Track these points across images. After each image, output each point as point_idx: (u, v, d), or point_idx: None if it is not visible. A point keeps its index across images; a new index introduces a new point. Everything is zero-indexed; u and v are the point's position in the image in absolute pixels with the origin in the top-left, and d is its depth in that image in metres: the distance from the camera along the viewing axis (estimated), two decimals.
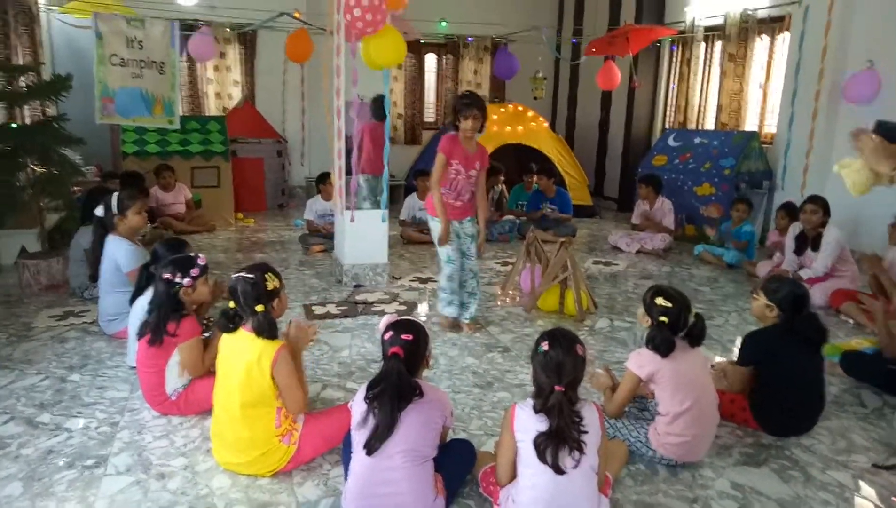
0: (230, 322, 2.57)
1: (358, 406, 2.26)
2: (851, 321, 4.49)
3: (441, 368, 3.62)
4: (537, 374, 2.19)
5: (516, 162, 8.26)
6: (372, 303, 4.75)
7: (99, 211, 4.02)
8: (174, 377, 2.95)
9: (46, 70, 7.09)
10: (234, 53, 8.99)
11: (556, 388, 2.10)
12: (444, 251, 4.08)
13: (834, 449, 2.83)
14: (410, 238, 6.78)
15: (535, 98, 9.69)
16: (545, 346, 2.17)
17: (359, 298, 4.86)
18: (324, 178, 6.57)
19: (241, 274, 2.55)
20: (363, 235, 5.11)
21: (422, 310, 4.68)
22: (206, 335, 3.25)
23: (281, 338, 2.59)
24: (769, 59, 7.28)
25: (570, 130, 10.40)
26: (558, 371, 2.12)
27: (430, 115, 10.52)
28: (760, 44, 7.37)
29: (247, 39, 9.00)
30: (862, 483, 2.59)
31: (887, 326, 3.46)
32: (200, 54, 7.57)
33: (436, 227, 4.05)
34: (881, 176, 2.16)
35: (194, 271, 2.98)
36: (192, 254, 3.10)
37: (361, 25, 4.04)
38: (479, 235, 4.13)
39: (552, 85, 10.66)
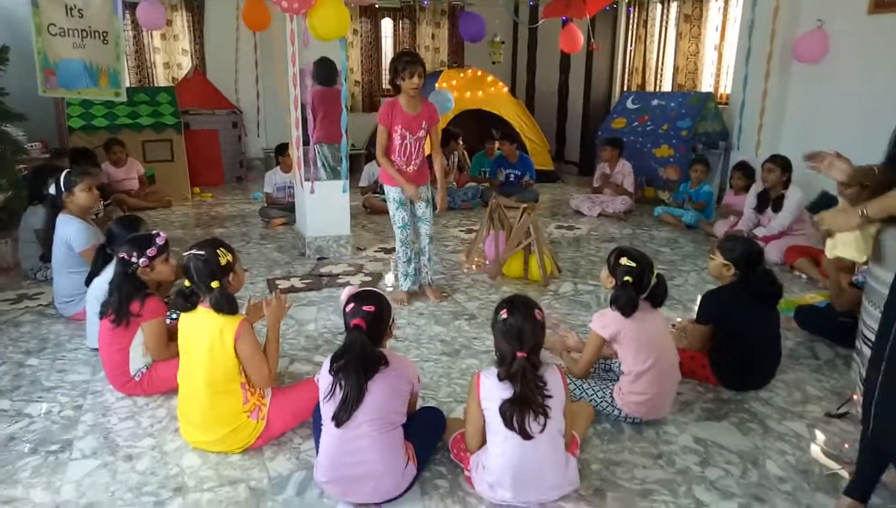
0: (187, 301, 2.53)
1: (324, 379, 2.26)
2: (805, 276, 4.64)
3: (409, 337, 3.64)
4: (499, 342, 2.21)
5: (477, 128, 8.21)
6: (336, 275, 4.72)
7: (52, 189, 3.88)
8: (138, 357, 2.90)
9: None
10: (181, 21, 8.68)
11: (519, 354, 2.13)
12: (398, 217, 4.03)
13: (790, 401, 2.95)
14: (373, 207, 6.73)
15: (494, 63, 9.61)
16: (504, 314, 2.19)
17: (323, 270, 4.82)
18: (283, 149, 6.44)
19: (193, 251, 2.50)
20: (325, 206, 5.05)
21: (388, 280, 4.67)
22: (169, 313, 3.19)
23: (243, 313, 2.56)
24: (723, 20, 7.35)
25: (529, 94, 10.36)
26: (519, 338, 2.14)
27: (387, 81, 10.32)
28: (714, 4, 7.44)
29: (194, 6, 8.68)
30: (816, 432, 2.70)
31: (839, 279, 3.59)
32: (150, 22, 7.26)
33: (392, 195, 4.00)
34: (863, 227, 2.28)
35: (151, 251, 2.90)
36: (152, 233, 3.01)
37: (286, 5, 3.90)
38: (439, 191, 4.08)
39: (511, 49, 10.57)
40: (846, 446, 2.58)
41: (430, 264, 4.24)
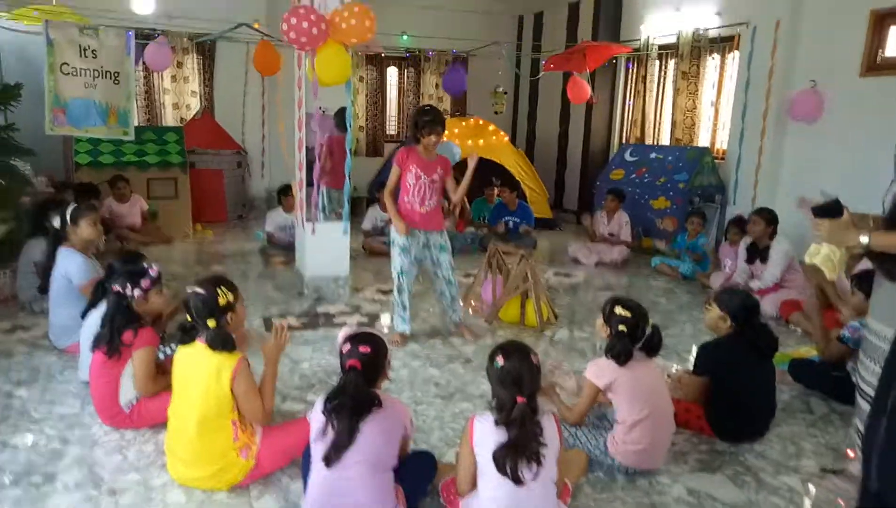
0: (186, 334, 2.53)
1: (316, 418, 2.24)
2: (800, 330, 4.64)
3: (403, 379, 3.62)
4: (497, 389, 2.20)
5: (477, 175, 8.27)
6: (333, 315, 4.72)
7: (55, 222, 3.91)
8: (129, 389, 2.88)
9: None
10: (191, 63, 8.88)
11: (519, 400, 2.11)
12: (397, 262, 4.09)
13: (784, 455, 2.92)
14: (372, 250, 6.76)
15: (496, 112, 9.81)
16: (500, 360, 2.18)
17: (320, 310, 4.82)
18: (286, 190, 6.53)
19: (194, 289, 2.52)
20: (324, 247, 5.09)
21: (384, 322, 4.67)
22: (164, 348, 3.18)
23: (253, 346, 2.55)
24: (720, 78, 7.53)
25: (529, 143, 10.55)
26: (518, 383, 2.13)
27: (391, 127, 10.55)
28: (711, 62, 7.62)
29: (205, 49, 8.90)
30: (811, 487, 2.67)
31: (824, 327, 3.59)
32: (156, 63, 7.46)
33: (396, 239, 4.06)
34: (851, 248, 2.25)
35: (145, 283, 2.92)
36: (144, 265, 3.04)
37: (294, 36, 4.04)
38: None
39: (512, 100, 10.81)
40: (841, 503, 2.55)
41: (454, 303, 4.29)
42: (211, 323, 2.46)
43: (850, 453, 2.89)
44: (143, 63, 8.10)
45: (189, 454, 2.47)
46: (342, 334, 2.38)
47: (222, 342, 2.46)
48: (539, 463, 2.08)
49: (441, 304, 4.36)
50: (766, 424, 3.08)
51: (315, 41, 4.06)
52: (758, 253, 5.14)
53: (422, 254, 4.16)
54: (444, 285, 4.23)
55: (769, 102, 6.46)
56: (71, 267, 3.78)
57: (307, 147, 5.16)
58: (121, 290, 2.87)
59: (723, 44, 7.39)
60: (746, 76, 6.66)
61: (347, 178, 4.93)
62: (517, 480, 2.07)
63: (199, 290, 2.50)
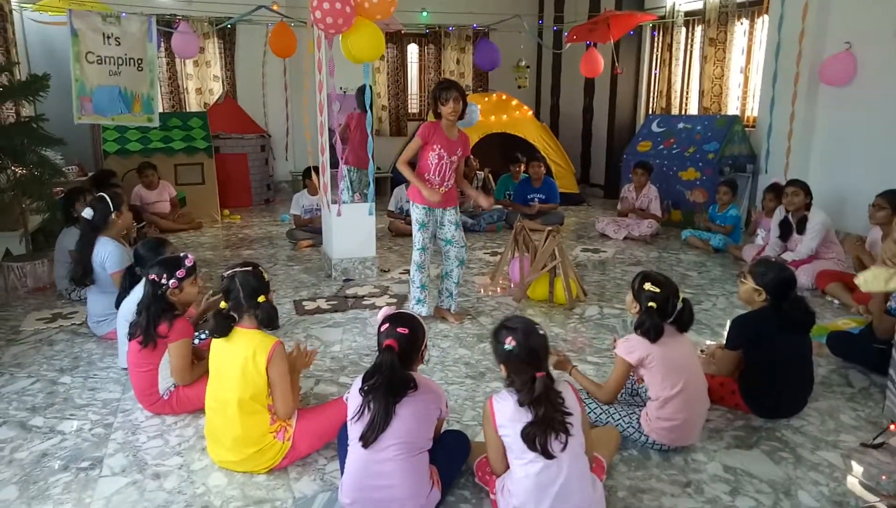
0: (224, 321, 2.56)
1: (353, 399, 2.26)
2: (837, 301, 4.54)
3: (434, 359, 3.64)
4: (513, 370, 2.17)
5: (502, 151, 8.25)
6: (362, 297, 4.75)
7: (85, 213, 3.96)
8: (167, 377, 2.94)
9: (21, 69, 6.98)
10: (213, 48, 8.91)
11: (538, 375, 2.10)
12: (419, 238, 4.08)
13: (823, 430, 2.88)
14: (398, 230, 6.77)
15: (519, 87, 9.68)
16: (511, 342, 2.14)
17: (349, 292, 4.86)
18: (309, 172, 6.55)
19: (238, 270, 2.57)
20: (351, 229, 5.10)
21: None
22: (198, 333, 3.23)
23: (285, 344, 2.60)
24: (749, 43, 7.33)
25: (554, 117, 10.40)
26: (536, 358, 2.12)
27: (413, 106, 10.49)
28: (740, 28, 7.41)
29: (226, 34, 8.92)
30: (851, 463, 2.63)
31: (881, 306, 3.50)
32: (183, 51, 7.51)
33: (416, 213, 4.05)
34: None
35: (180, 273, 2.96)
36: (180, 255, 3.08)
37: (329, 24, 4.01)
38: (471, 196, 4.14)
39: (535, 73, 10.65)
40: (883, 478, 2.51)
41: (454, 287, 4.24)
42: (262, 299, 2.53)
43: (892, 426, 2.84)
44: (167, 49, 8.17)
45: (227, 437, 2.52)
46: (382, 313, 2.39)
47: (275, 315, 2.57)
48: (567, 433, 2.08)
49: (443, 284, 4.27)
50: (804, 399, 3.02)
51: (345, 26, 4.04)
52: (792, 227, 5.02)
53: (437, 232, 4.14)
54: (455, 265, 4.17)
55: (800, 66, 6.26)
56: (106, 255, 3.86)
57: (330, 130, 5.16)
58: (156, 279, 2.91)
59: (751, 8, 7.17)
60: (777, 41, 6.45)
61: (371, 159, 4.91)
62: (547, 454, 2.06)
63: (247, 268, 2.58)
